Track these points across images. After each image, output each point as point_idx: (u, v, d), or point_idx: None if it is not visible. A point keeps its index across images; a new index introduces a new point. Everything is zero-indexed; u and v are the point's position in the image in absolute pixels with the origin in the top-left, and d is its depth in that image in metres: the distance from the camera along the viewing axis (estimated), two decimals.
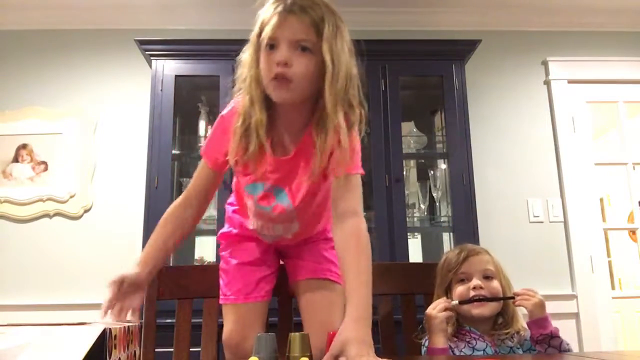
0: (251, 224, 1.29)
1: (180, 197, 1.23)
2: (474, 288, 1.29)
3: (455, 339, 1.27)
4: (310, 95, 1.08)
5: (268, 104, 1.09)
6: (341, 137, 1.04)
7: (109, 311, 1.07)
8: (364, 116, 1.09)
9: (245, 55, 1.10)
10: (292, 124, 1.13)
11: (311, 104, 1.10)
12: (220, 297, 1.32)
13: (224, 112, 1.17)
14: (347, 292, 0.98)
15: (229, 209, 1.39)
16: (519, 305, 1.28)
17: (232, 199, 1.39)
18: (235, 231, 1.36)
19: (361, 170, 1.11)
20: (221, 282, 1.33)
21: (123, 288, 1.10)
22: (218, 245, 1.41)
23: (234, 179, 1.31)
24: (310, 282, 1.30)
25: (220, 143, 1.15)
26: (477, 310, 1.28)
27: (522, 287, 1.32)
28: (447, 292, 1.33)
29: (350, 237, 1.04)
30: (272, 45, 1.03)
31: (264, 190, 1.18)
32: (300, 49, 1.02)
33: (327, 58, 1.02)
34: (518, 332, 1.30)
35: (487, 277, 1.31)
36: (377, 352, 0.89)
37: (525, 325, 1.30)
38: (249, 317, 1.27)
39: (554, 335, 1.24)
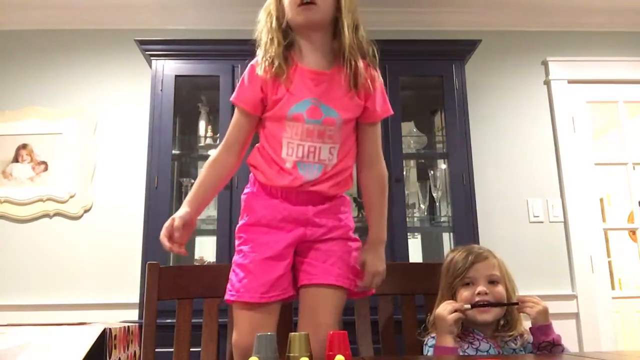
0: (290, 160, 1.26)
1: (221, 145, 1.35)
2: (479, 294, 1.29)
3: (459, 340, 1.27)
4: (330, 22, 1.28)
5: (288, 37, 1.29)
6: (360, 64, 1.26)
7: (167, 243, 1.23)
8: (376, 52, 1.31)
9: (265, 7, 1.32)
10: (321, 45, 1.30)
11: (331, 33, 1.30)
12: (230, 292, 1.26)
13: (252, 61, 1.32)
14: (372, 219, 1.35)
15: (243, 197, 1.36)
16: (523, 312, 1.29)
17: (246, 190, 1.36)
18: (253, 219, 1.30)
19: (391, 111, 1.36)
20: (233, 277, 1.27)
21: (177, 226, 1.24)
22: (224, 241, 1.39)
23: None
24: (326, 288, 1.26)
25: (252, 84, 1.29)
26: (481, 316, 1.28)
27: (523, 287, 1.32)
28: (453, 296, 1.33)
29: (377, 181, 1.36)
30: None
31: (312, 104, 1.27)
32: None
33: None
34: (521, 335, 1.31)
35: (492, 282, 1.32)
36: (377, 352, 0.90)
37: (527, 329, 1.31)
38: (263, 319, 1.23)
39: (556, 343, 1.25)
